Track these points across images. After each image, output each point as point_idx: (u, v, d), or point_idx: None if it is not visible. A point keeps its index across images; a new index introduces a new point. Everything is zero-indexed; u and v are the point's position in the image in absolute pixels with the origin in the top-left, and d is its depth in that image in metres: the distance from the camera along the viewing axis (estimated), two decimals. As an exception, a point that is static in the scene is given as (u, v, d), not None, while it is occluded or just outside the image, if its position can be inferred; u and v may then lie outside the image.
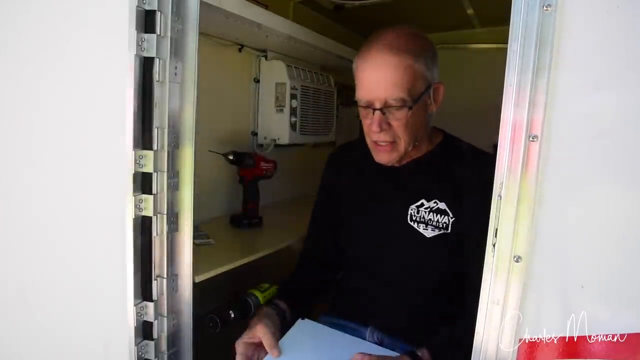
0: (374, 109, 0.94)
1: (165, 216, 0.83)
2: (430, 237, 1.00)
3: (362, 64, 0.95)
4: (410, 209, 1.03)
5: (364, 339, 1.06)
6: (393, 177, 1.06)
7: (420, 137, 1.01)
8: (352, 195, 1.13)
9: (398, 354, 0.95)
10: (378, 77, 0.93)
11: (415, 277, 1.04)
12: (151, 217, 0.82)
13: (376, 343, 1.05)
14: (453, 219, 0.99)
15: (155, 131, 0.80)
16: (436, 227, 1.00)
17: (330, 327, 1.07)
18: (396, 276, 1.06)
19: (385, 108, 0.93)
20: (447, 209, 0.99)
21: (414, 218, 1.02)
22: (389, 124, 0.95)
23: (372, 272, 1.09)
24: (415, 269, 1.04)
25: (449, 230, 0.99)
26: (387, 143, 0.97)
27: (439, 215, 1.00)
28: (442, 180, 1.02)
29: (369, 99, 0.94)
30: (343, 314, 1.14)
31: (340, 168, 1.18)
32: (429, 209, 1.01)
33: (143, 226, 0.83)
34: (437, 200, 1.00)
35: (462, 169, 1.00)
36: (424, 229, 1.01)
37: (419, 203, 1.02)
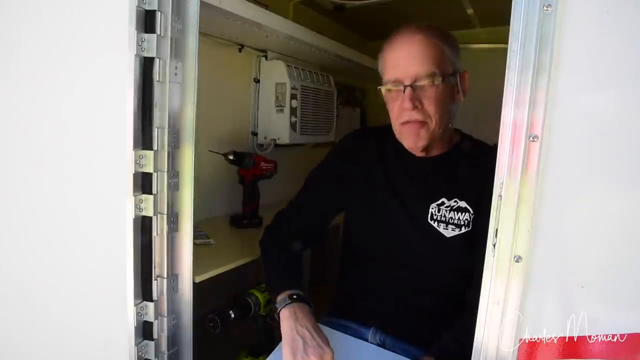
0: (405, 86, 0.93)
1: (165, 216, 0.83)
2: (449, 237, 1.00)
3: (390, 46, 0.97)
4: (431, 208, 1.02)
5: (366, 340, 1.06)
6: (412, 172, 1.06)
7: (447, 122, 0.99)
8: (366, 189, 1.10)
9: (400, 356, 0.95)
10: (408, 53, 0.94)
11: (429, 278, 1.03)
12: (151, 217, 0.82)
13: (378, 344, 1.05)
14: (474, 215, 0.99)
15: (155, 131, 0.80)
16: (457, 225, 1.00)
17: (331, 327, 1.06)
18: (408, 276, 1.04)
19: (415, 84, 0.93)
20: (467, 207, 0.99)
21: (434, 217, 1.02)
22: (420, 102, 0.94)
23: (382, 272, 1.08)
24: (430, 270, 1.03)
25: (470, 227, 0.99)
26: (419, 122, 0.95)
27: (459, 213, 1.00)
28: (463, 179, 1.01)
29: (399, 76, 0.94)
30: (344, 314, 1.13)
31: (354, 158, 1.13)
32: (449, 208, 1.01)
33: (143, 226, 0.83)
34: (457, 199, 1.00)
35: (482, 167, 0.98)
36: (444, 228, 1.01)
37: (439, 202, 1.02)
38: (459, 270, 0.99)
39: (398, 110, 0.96)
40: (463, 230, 0.99)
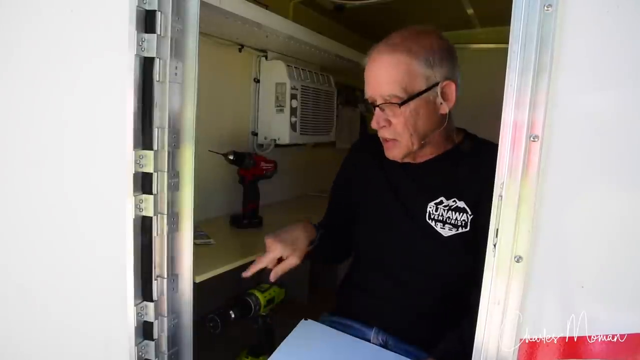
0: (374, 106, 0.98)
1: (165, 216, 0.83)
2: (447, 237, 1.00)
3: (366, 63, 1.01)
4: (429, 207, 1.02)
5: (369, 340, 1.06)
6: (413, 173, 1.07)
7: (428, 135, 0.99)
8: (370, 193, 1.13)
9: (401, 357, 0.94)
10: (375, 75, 0.97)
11: (429, 278, 1.03)
12: (151, 217, 0.82)
13: (380, 345, 1.05)
14: (472, 216, 0.98)
15: (155, 131, 0.80)
16: (454, 225, 1.00)
17: (333, 327, 1.06)
18: (409, 276, 1.05)
19: (383, 105, 0.96)
20: (466, 207, 0.99)
21: (432, 216, 1.02)
22: (389, 121, 0.97)
23: (383, 271, 1.08)
24: (430, 270, 1.03)
25: (468, 228, 0.99)
26: (390, 139, 1.00)
27: (457, 213, 1.00)
28: (462, 179, 1.01)
29: (369, 96, 0.99)
30: (347, 314, 1.13)
31: (358, 165, 1.18)
32: (447, 207, 1.01)
33: (143, 226, 0.83)
34: (456, 199, 1.00)
35: (481, 166, 0.98)
36: (441, 227, 1.01)
37: (438, 200, 1.02)
38: (459, 270, 0.99)
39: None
40: (460, 230, 0.99)
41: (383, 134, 1.00)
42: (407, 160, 1.04)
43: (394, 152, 1.01)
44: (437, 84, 0.95)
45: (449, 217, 1.00)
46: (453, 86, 0.97)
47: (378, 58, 0.96)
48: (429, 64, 0.94)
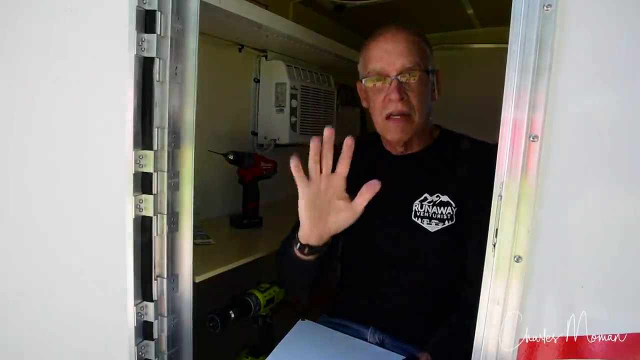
0: (391, 79, 0.97)
1: (165, 216, 0.83)
2: (434, 232, 1.00)
3: (375, 40, 1.00)
4: (414, 205, 1.03)
5: (365, 339, 1.06)
6: (396, 174, 1.07)
7: (428, 117, 1.02)
8: (357, 192, 1.12)
9: (399, 355, 0.95)
10: (395, 47, 0.97)
11: (420, 275, 1.03)
12: (151, 217, 0.82)
13: (377, 344, 1.05)
14: (456, 209, 0.99)
15: (155, 131, 0.80)
16: (440, 219, 1.00)
17: (330, 327, 1.06)
18: (401, 274, 1.05)
19: (401, 74, 0.96)
20: (450, 201, 1.00)
21: (418, 214, 1.02)
22: (406, 94, 0.97)
23: (376, 271, 1.08)
24: (420, 266, 1.03)
25: (454, 221, 0.99)
26: (402, 115, 0.98)
27: (442, 208, 1.00)
28: (444, 173, 1.02)
29: (385, 68, 0.97)
30: (344, 314, 1.13)
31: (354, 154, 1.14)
32: (432, 203, 1.01)
33: (143, 226, 0.83)
34: (439, 194, 1.01)
35: (463, 159, 1.00)
36: (427, 224, 1.01)
37: (422, 198, 1.02)
38: (449, 264, 1.00)
39: (383, 103, 0.99)
40: (446, 224, 1.00)
41: (399, 107, 0.97)
42: (400, 149, 1.05)
43: (405, 130, 0.99)
44: (434, 70, 1.02)
45: (434, 213, 1.01)
46: (442, 76, 1.04)
47: (397, 34, 0.98)
48: (431, 51, 1.02)
